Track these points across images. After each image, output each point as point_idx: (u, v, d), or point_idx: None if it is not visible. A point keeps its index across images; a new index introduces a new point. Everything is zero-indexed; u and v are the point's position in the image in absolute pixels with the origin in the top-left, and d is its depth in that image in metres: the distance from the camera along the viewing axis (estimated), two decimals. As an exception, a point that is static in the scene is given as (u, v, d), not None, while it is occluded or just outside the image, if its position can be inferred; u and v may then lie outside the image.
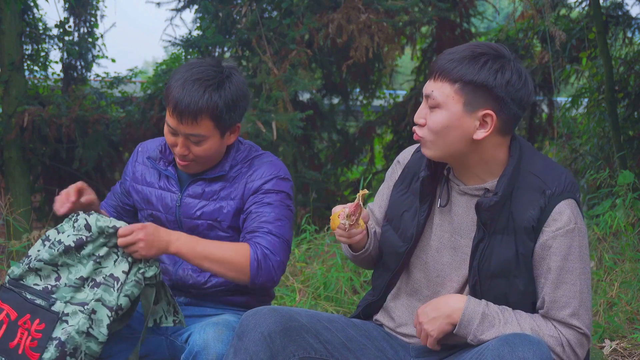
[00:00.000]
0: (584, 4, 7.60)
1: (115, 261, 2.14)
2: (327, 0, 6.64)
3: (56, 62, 8.03)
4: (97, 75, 8.28)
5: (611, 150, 6.64)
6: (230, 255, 2.21)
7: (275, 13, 6.85)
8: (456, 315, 1.91)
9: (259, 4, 6.65)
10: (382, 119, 8.57)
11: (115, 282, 2.12)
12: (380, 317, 2.19)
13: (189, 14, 16.16)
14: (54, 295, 2.12)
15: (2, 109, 7.26)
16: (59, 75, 8.12)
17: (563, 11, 7.96)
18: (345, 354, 2.03)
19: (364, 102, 8.86)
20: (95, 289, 2.11)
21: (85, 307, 2.09)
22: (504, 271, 1.93)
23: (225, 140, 2.32)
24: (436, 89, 1.91)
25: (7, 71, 7.20)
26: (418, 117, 1.96)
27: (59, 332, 2.07)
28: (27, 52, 7.69)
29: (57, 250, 2.14)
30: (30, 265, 2.15)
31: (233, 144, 2.37)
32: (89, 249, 2.14)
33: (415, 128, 1.98)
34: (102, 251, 2.14)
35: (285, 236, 2.29)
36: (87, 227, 2.14)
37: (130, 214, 2.50)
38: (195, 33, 7.24)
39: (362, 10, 6.32)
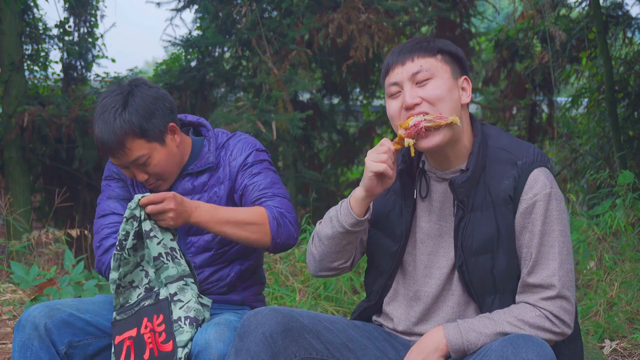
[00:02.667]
0: (584, 4, 7.60)
1: (160, 231, 2.15)
2: (327, 0, 6.64)
3: (56, 62, 8.04)
4: (97, 75, 8.29)
5: (611, 150, 6.64)
6: (251, 217, 2.24)
7: (275, 13, 6.86)
8: (442, 343, 1.92)
9: (259, 4, 6.65)
10: (382, 119, 8.58)
11: (174, 253, 2.15)
12: (378, 318, 2.20)
13: (189, 14, 16.19)
14: (154, 289, 2.15)
15: (2, 109, 7.27)
16: (59, 75, 8.13)
17: (563, 11, 7.96)
18: (347, 354, 2.04)
19: (364, 102, 8.86)
20: (171, 262, 2.14)
21: (184, 279, 2.14)
22: (487, 247, 1.96)
23: (170, 145, 2.33)
24: (422, 63, 1.99)
25: (7, 71, 7.21)
26: (411, 98, 1.96)
27: (180, 312, 2.10)
28: (27, 52, 7.70)
29: (130, 255, 2.15)
30: (122, 284, 2.17)
31: (204, 136, 2.41)
32: (139, 229, 2.14)
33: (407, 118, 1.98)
34: (147, 225, 2.14)
35: (287, 195, 2.36)
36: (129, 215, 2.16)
37: None
38: (195, 33, 7.24)
39: (362, 10, 6.32)
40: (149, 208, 2.12)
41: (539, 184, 1.94)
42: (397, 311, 2.12)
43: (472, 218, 1.97)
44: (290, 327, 1.95)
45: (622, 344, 3.30)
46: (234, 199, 2.37)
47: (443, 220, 2.05)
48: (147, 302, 2.15)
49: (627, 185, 4.61)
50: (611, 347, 3.27)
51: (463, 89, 2.03)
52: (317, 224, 2.17)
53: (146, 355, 2.09)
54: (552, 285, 1.91)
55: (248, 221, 2.23)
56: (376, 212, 2.13)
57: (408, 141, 1.95)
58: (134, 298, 2.18)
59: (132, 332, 2.13)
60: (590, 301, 3.74)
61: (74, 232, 4.65)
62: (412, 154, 1.99)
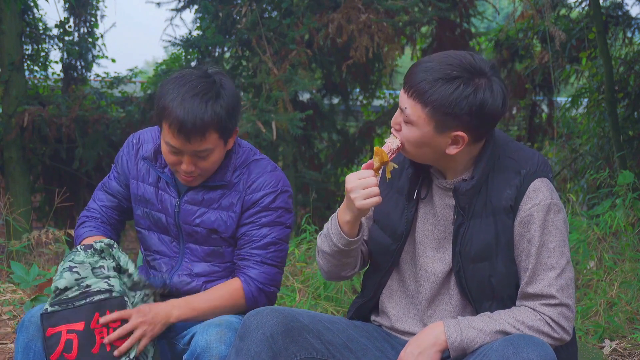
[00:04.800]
0: (584, 4, 7.60)
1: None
2: (327, 0, 6.64)
3: (56, 62, 8.04)
4: (97, 75, 8.28)
5: (611, 150, 6.64)
6: (227, 302, 2.25)
7: (275, 13, 6.86)
8: (441, 338, 1.92)
9: (259, 4, 6.65)
10: (382, 119, 8.58)
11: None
12: (376, 317, 2.20)
13: (189, 14, 16.16)
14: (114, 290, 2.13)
15: (2, 109, 7.27)
16: (59, 75, 8.13)
17: (563, 11, 7.96)
18: (347, 354, 2.04)
19: (364, 102, 8.86)
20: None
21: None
22: (485, 254, 1.96)
23: (228, 146, 2.28)
24: (409, 106, 1.92)
25: (7, 71, 7.21)
26: (394, 123, 1.98)
27: (136, 299, 2.16)
28: (27, 52, 7.70)
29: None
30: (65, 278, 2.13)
31: (232, 148, 2.33)
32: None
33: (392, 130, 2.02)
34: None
35: (277, 262, 2.29)
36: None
37: (128, 212, 2.44)
38: (195, 33, 7.24)
39: (362, 10, 6.32)
40: (114, 335, 2.07)
41: (540, 194, 1.94)
42: (395, 309, 2.13)
43: (471, 225, 1.97)
44: (290, 327, 1.95)
45: (622, 344, 3.30)
46: (236, 228, 2.31)
47: (442, 226, 2.04)
48: (98, 297, 2.09)
49: (627, 185, 4.61)
50: (611, 347, 3.27)
51: (454, 141, 1.92)
52: (318, 236, 2.17)
53: (95, 350, 2.05)
54: (552, 295, 1.92)
55: (225, 305, 2.24)
56: (378, 209, 2.12)
57: (392, 164, 2.00)
58: (74, 292, 2.11)
59: (77, 326, 2.07)
60: (590, 301, 3.74)
61: (74, 232, 4.64)
62: (389, 175, 2.01)
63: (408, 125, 1.94)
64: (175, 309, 2.19)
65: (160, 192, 2.34)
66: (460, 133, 1.91)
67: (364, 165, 1.97)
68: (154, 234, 2.36)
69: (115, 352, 2.06)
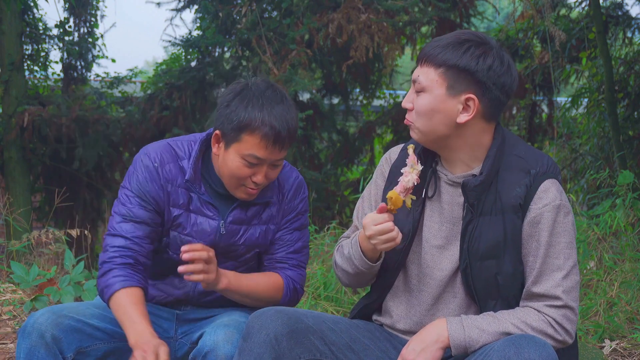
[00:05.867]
0: (584, 4, 7.60)
1: None
2: (327, 0, 6.64)
3: (56, 62, 8.04)
4: (97, 75, 8.28)
5: (611, 150, 6.64)
6: (267, 293, 2.26)
7: (275, 13, 6.86)
8: (443, 335, 1.91)
9: (259, 4, 6.65)
10: (382, 119, 8.57)
11: None
12: (378, 317, 2.20)
13: (189, 14, 16.16)
14: None
15: (2, 109, 7.27)
16: (59, 75, 8.13)
17: (563, 11, 7.96)
18: (349, 355, 2.04)
19: (364, 102, 8.85)
20: None
21: None
22: (493, 252, 1.96)
23: None
24: (422, 73, 1.97)
25: (7, 71, 7.21)
26: (406, 102, 2.02)
27: None
28: (27, 52, 7.69)
29: None
30: None
31: None
32: None
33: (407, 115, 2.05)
34: None
35: (307, 262, 2.36)
36: None
37: (159, 238, 2.26)
38: (195, 33, 7.24)
39: (362, 10, 6.32)
40: (197, 253, 2.07)
41: (550, 195, 1.94)
42: (398, 308, 2.12)
43: (480, 222, 1.97)
44: (295, 329, 1.95)
45: (622, 344, 3.30)
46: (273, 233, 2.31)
47: (451, 223, 2.04)
48: None
49: (627, 185, 4.61)
50: (611, 347, 3.27)
51: (464, 107, 1.95)
52: (335, 251, 2.18)
53: None
54: (557, 296, 1.92)
55: (265, 292, 2.26)
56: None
57: (411, 197, 1.99)
58: None
59: None
60: (590, 301, 3.74)
61: (74, 232, 4.64)
62: (409, 205, 2.00)
63: (420, 94, 1.98)
64: (224, 276, 2.18)
65: (190, 214, 2.22)
66: (471, 95, 1.93)
67: (378, 207, 1.96)
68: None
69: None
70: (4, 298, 3.95)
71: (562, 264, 1.93)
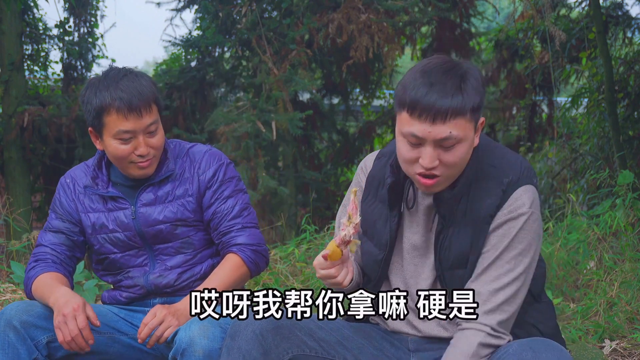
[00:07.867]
0: (584, 4, 7.60)
1: None
2: (327, 0, 6.64)
3: (56, 62, 8.03)
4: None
5: (611, 150, 6.64)
6: (237, 277, 2.33)
7: (275, 13, 6.86)
8: None
9: (259, 4, 6.65)
10: (382, 119, 8.58)
11: None
12: (373, 317, 2.19)
13: (189, 14, 16.17)
14: None
15: (2, 109, 7.26)
16: (59, 75, 8.12)
17: (563, 11, 7.96)
18: (342, 351, 2.04)
19: (364, 102, 8.86)
20: None
21: None
22: (461, 262, 1.97)
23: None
24: (453, 128, 1.84)
25: (7, 71, 7.20)
26: (431, 162, 1.87)
27: None
28: (27, 52, 7.69)
29: None
30: None
31: (165, 144, 2.40)
32: None
33: (423, 175, 1.91)
34: None
35: (255, 223, 2.40)
36: None
37: (80, 246, 2.47)
38: (195, 33, 7.24)
39: (362, 10, 6.32)
40: (151, 341, 2.17)
41: (518, 202, 1.94)
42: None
43: (450, 232, 1.97)
44: (280, 325, 1.96)
45: (622, 344, 3.30)
46: (203, 212, 2.39)
47: (427, 232, 2.05)
48: None
49: (627, 185, 4.60)
50: (611, 347, 3.27)
51: (477, 131, 1.93)
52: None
53: None
54: (491, 298, 1.91)
55: (237, 280, 2.33)
56: (364, 219, 2.11)
57: (355, 242, 1.94)
58: None
59: None
60: (590, 301, 3.74)
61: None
62: (353, 251, 1.97)
63: (455, 146, 1.87)
64: (184, 310, 2.22)
65: (110, 213, 2.40)
66: (482, 118, 1.93)
67: (322, 253, 1.93)
68: (118, 255, 2.42)
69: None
70: (4, 298, 3.95)
71: (510, 269, 1.92)
